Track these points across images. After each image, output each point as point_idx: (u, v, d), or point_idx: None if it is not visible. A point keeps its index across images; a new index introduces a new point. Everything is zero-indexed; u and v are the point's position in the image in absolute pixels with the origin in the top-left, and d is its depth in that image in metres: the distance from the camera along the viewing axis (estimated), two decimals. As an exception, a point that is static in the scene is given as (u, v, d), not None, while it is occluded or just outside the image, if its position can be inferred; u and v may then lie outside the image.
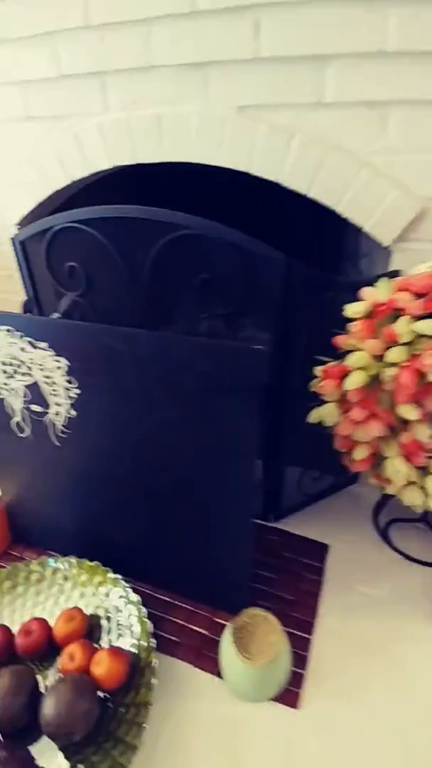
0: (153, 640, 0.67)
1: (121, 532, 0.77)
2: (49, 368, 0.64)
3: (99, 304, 0.79)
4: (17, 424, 0.73)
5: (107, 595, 0.76)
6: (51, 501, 0.80)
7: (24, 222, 1.05)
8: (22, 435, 0.74)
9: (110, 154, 0.83)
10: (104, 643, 0.71)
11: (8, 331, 0.65)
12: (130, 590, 0.74)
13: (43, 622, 0.71)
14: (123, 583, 0.75)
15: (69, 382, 0.64)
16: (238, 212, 0.81)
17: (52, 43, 0.78)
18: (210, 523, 0.67)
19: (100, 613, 0.75)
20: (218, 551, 0.70)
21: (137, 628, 0.70)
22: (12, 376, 0.69)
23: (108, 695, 0.64)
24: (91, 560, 0.79)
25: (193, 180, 0.89)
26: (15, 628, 0.73)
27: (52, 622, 0.72)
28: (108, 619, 0.74)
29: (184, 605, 0.77)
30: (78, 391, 0.65)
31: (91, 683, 0.62)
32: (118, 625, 0.72)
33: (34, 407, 0.70)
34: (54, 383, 0.66)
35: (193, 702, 0.66)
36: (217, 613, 0.76)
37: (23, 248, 0.82)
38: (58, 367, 0.64)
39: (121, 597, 0.74)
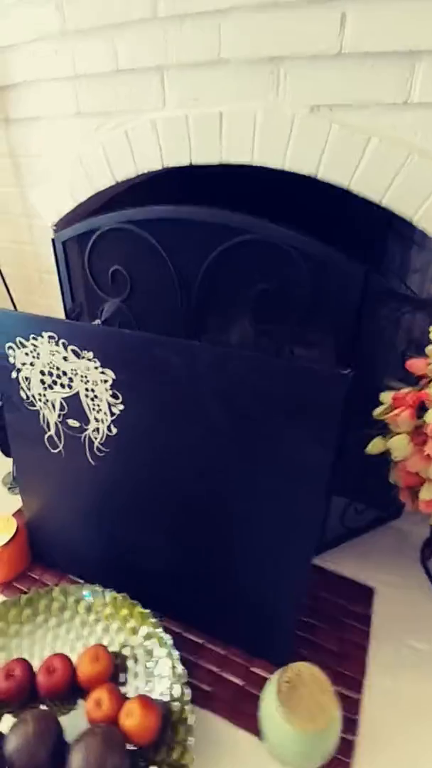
0: (188, 691, 0.60)
1: (152, 561, 0.70)
2: (93, 380, 0.59)
3: (140, 312, 0.73)
4: (50, 438, 0.68)
5: (134, 632, 0.69)
6: (77, 522, 0.74)
7: (61, 224, 1.01)
8: (53, 450, 0.68)
9: (163, 153, 0.78)
10: (130, 688, 0.64)
11: (51, 338, 0.59)
12: (161, 629, 0.67)
13: (65, 660, 0.64)
14: (153, 620, 0.69)
15: (114, 396, 0.58)
16: (290, 217, 0.75)
17: (111, 36, 0.74)
18: (260, 560, 0.60)
19: (126, 652, 0.68)
20: (264, 592, 0.62)
21: (167, 673, 0.63)
22: (50, 387, 0.63)
23: (138, 750, 0.57)
24: (117, 590, 0.72)
25: (231, 180, 0.83)
26: (35, 663, 0.66)
27: (73, 658, 0.65)
28: (135, 660, 0.67)
29: (215, 648, 0.70)
30: (122, 407, 0.59)
31: (121, 737, 0.55)
32: (146, 668, 0.65)
33: (72, 422, 0.64)
34: (96, 397, 0.60)
35: (230, 765, 0.58)
36: (254, 661, 0.68)
37: (64, 249, 0.77)
38: (104, 380, 0.58)
39: (150, 636, 0.67)
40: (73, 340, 0.57)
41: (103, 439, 0.62)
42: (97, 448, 0.64)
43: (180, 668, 0.62)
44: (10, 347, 0.63)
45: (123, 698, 0.60)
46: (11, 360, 0.64)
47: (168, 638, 0.66)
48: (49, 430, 0.67)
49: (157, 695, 0.61)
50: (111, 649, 0.67)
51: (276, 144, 0.70)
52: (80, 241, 0.75)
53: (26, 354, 0.62)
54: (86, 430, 0.63)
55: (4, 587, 0.79)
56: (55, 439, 0.67)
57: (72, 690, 0.63)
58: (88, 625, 0.71)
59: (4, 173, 1.01)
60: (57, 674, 0.62)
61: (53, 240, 0.77)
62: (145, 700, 0.58)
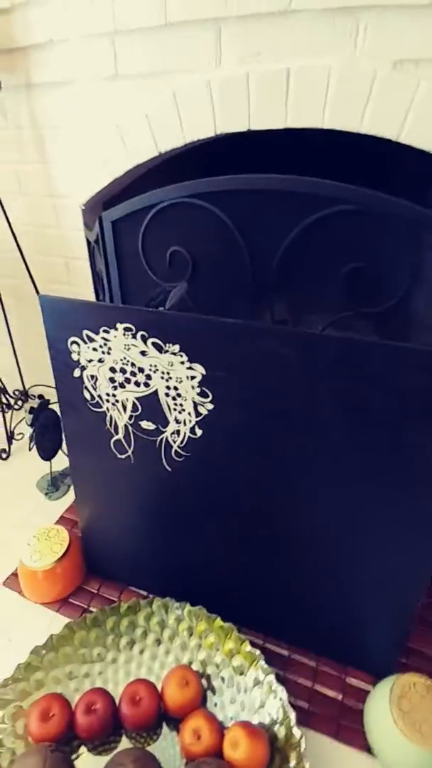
0: (293, 713, 0.55)
1: (228, 571, 0.64)
2: (177, 377, 0.52)
3: (204, 299, 0.66)
4: (117, 443, 0.60)
5: (216, 648, 0.63)
6: (143, 531, 0.67)
7: (90, 204, 0.92)
8: (121, 456, 0.61)
9: (217, 119, 0.70)
10: (223, 712, 0.58)
11: (127, 330, 0.52)
12: (248, 644, 0.62)
13: (150, 687, 0.58)
14: (238, 633, 0.63)
15: (202, 394, 0.52)
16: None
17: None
18: (368, 569, 0.55)
19: (211, 671, 0.62)
20: (370, 601, 0.57)
21: (264, 693, 0.57)
22: (122, 386, 0.56)
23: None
24: (192, 603, 0.67)
25: (274, 148, 0.75)
26: (109, 688, 0.60)
27: (151, 680, 0.60)
28: (222, 679, 0.61)
29: (304, 660, 0.65)
30: (211, 407, 0.52)
31: (231, 773, 0.50)
32: (238, 688, 0.59)
33: (146, 424, 0.57)
34: (179, 396, 0.53)
35: None
36: (349, 671, 0.63)
37: (113, 230, 0.68)
38: (191, 377, 0.51)
39: (235, 652, 0.62)
40: (156, 331, 0.50)
41: (184, 442, 0.56)
42: (176, 453, 0.57)
43: (278, 687, 0.57)
44: (74, 342, 0.55)
45: (221, 726, 0.55)
46: (75, 357, 0.56)
47: (257, 653, 0.60)
48: (117, 433, 0.60)
49: (256, 719, 0.56)
50: (194, 666, 0.62)
51: (353, 105, 0.63)
52: (131, 220, 0.67)
53: (94, 349, 0.55)
54: (163, 432, 0.56)
55: (61, 604, 0.73)
56: (124, 443, 0.60)
57: (158, 719, 0.58)
58: (164, 644, 0.65)
59: (25, 147, 0.91)
60: (143, 704, 0.56)
61: (100, 219, 0.69)
62: (250, 728, 0.52)
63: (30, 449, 0.84)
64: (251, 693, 0.58)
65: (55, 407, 0.91)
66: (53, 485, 0.93)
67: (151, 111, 0.75)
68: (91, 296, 0.94)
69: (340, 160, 0.68)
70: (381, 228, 0.53)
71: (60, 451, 0.92)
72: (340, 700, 0.60)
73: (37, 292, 0.97)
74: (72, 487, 0.95)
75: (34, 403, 0.83)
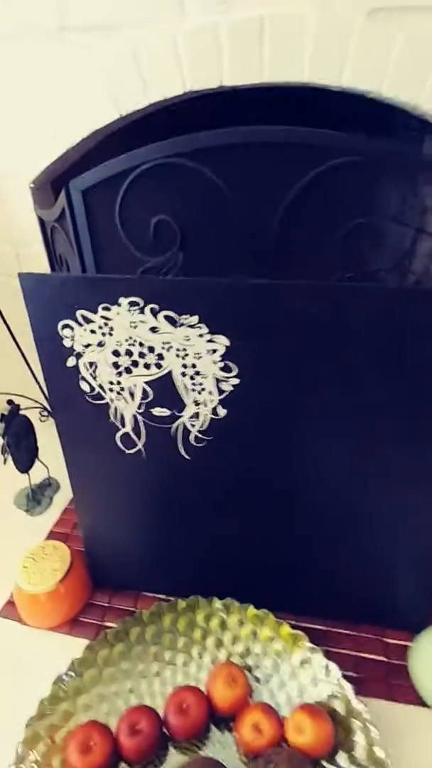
0: (348, 684, 0.53)
1: (252, 557, 0.61)
2: (196, 353, 0.47)
3: (195, 271, 0.61)
4: (124, 437, 0.54)
5: (254, 636, 0.60)
6: (155, 529, 0.62)
7: (42, 179, 0.82)
8: (129, 451, 0.55)
9: (186, 74, 0.64)
10: (270, 701, 0.55)
11: (133, 305, 0.45)
12: (287, 626, 0.59)
13: (195, 692, 0.53)
14: (273, 618, 0.60)
15: (225, 369, 0.47)
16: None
17: None
18: (394, 528, 0.54)
19: (252, 661, 0.59)
20: (399, 561, 0.57)
21: (314, 672, 0.55)
22: (128, 371, 0.49)
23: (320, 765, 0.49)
24: (220, 596, 0.63)
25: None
26: (147, 702, 0.55)
27: (190, 683, 0.55)
28: (266, 667, 0.58)
29: (342, 631, 0.64)
30: (236, 382, 0.47)
31: (304, 758, 0.47)
32: (285, 672, 0.56)
33: (159, 411, 0.51)
34: (198, 374, 0.48)
35: (419, 744, 0.53)
36: (386, 633, 0.63)
37: (84, 201, 0.61)
38: (212, 350, 0.46)
39: (274, 637, 0.59)
40: (169, 303, 0.44)
41: (205, 425, 0.51)
42: (195, 438, 0.52)
43: (328, 662, 0.55)
44: (66, 326, 0.48)
45: (278, 715, 0.52)
46: (68, 343, 0.49)
47: (299, 633, 0.58)
48: (124, 426, 0.53)
49: (311, 699, 0.54)
50: (233, 660, 0.58)
51: (331, 57, 0.60)
52: (106, 189, 0.59)
53: (92, 332, 0.48)
54: (180, 417, 0.51)
55: (71, 625, 0.65)
56: (132, 436, 0.54)
57: (207, 723, 0.53)
58: (197, 644, 0.61)
59: None
60: (192, 711, 0.51)
61: (66, 190, 0.60)
62: (311, 710, 0.50)
63: (5, 462, 0.74)
64: (300, 674, 0.56)
65: (26, 412, 0.81)
66: (34, 500, 0.83)
67: (109, 69, 0.67)
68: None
69: (318, 123, 0.65)
70: (385, 179, 0.52)
71: (36, 460, 0.83)
72: (385, 662, 0.60)
73: (-14, 285, 0.85)
74: (53, 499, 0.86)
75: (3, 409, 0.73)
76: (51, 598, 0.63)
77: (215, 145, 0.53)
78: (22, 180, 0.80)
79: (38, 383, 1.00)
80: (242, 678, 0.54)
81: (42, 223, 0.81)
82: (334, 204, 0.54)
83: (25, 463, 0.77)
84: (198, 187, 0.57)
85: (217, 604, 0.62)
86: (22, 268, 0.89)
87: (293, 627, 0.60)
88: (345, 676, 0.56)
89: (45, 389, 1.04)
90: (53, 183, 0.84)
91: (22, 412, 0.80)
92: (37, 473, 0.87)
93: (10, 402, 0.74)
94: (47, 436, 0.87)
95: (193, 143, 0.54)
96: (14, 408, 0.74)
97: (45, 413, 1.00)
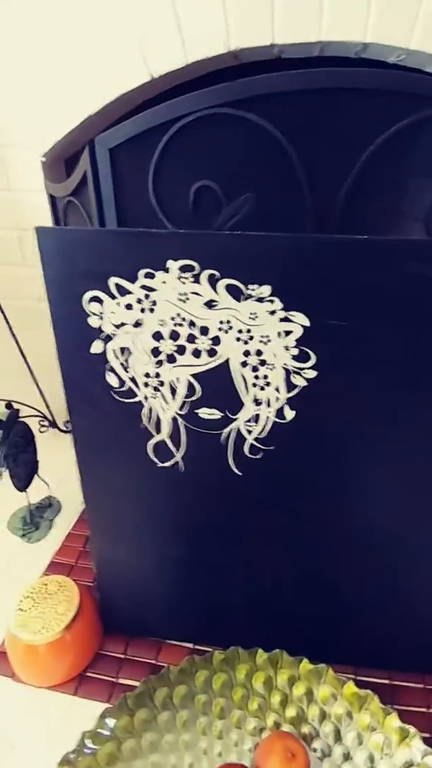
0: (427, 748, 0.42)
1: (303, 598, 0.50)
2: (263, 336, 0.36)
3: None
4: (158, 445, 0.43)
5: (310, 697, 0.48)
6: (187, 562, 0.50)
7: (54, 153, 0.72)
8: (164, 464, 0.44)
9: (231, 29, 0.56)
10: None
11: (186, 270, 0.35)
12: (352, 684, 0.47)
13: (246, 779, 0.41)
14: (333, 673, 0.48)
15: (299, 357, 0.37)
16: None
17: None
18: None
19: (306, 730, 0.47)
20: None
21: (385, 740, 0.44)
22: (171, 360, 0.39)
23: None
24: (264, 648, 0.51)
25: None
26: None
27: (233, 758, 0.43)
28: (326, 737, 0.46)
29: (408, 684, 0.52)
30: (313, 375, 0.37)
31: None
32: (349, 743, 0.44)
33: (206, 412, 0.40)
34: (264, 363, 0.37)
35: None
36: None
37: (112, 162, 0.51)
38: (285, 332, 0.36)
39: (336, 697, 0.47)
40: (234, 267, 0.34)
41: (265, 431, 0.40)
42: (251, 448, 0.41)
43: (405, 726, 0.43)
44: (94, 299, 0.37)
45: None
46: (94, 322, 0.38)
47: (369, 693, 0.46)
48: (159, 432, 0.42)
49: (389, 781, 0.42)
50: (285, 728, 0.46)
51: (400, 16, 0.52)
52: (138, 148, 0.50)
53: (128, 306, 0.37)
54: (233, 421, 0.40)
55: (78, 683, 0.52)
56: (169, 444, 0.43)
57: None
58: (237, 708, 0.49)
59: None
60: (245, 807, 0.39)
61: (91, 148, 0.51)
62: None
63: (0, 478, 0.62)
64: (370, 741, 0.44)
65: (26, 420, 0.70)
66: (31, 523, 0.71)
67: (141, 21, 0.58)
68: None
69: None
70: None
71: (36, 477, 0.71)
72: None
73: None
74: (53, 522, 0.74)
75: (1, 414, 0.61)
76: (54, 649, 0.50)
77: (278, 92, 0.45)
78: (33, 153, 0.71)
79: (39, 388, 0.88)
80: (303, 753, 0.42)
81: (53, 201, 0.71)
82: (420, 163, 0.45)
83: (23, 479, 0.65)
84: (252, 145, 0.48)
85: (263, 657, 0.50)
86: (25, 254, 0.79)
87: (355, 683, 0.48)
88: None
89: (45, 397, 0.93)
90: (68, 160, 0.75)
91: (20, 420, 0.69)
92: (36, 492, 0.75)
93: (8, 406, 0.63)
94: (47, 449, 0.75)
95: (248, 89, 0.45)
96: (13, 413, 0.63)
97: (45, 423, 0.88)
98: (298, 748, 0.43)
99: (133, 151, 0.49)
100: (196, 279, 0.35)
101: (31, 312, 0.83)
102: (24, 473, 0.65)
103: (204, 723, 0.48)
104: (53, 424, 0.88)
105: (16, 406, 0.70)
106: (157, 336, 0.38)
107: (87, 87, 0.66)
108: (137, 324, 0.38)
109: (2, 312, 0.79)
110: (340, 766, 0.44)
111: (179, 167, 0.50)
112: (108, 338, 0.39)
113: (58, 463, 0.82)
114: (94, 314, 0.38)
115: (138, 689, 0.47)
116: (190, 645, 0.55)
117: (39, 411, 0.86)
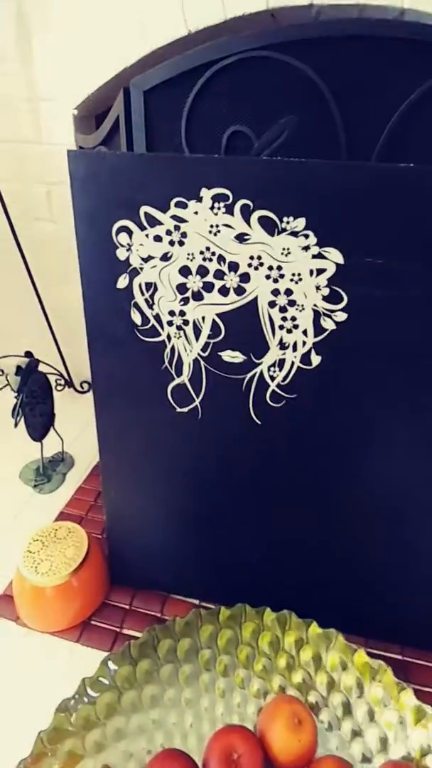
0: None
1: (319, 562, 0.48)
2: (294, 274, 0.35)
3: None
4: (178, 388, 0.42)
5: (319, 663, 0.47)
6: (200, 515, 0.49)
7: (86, 107, 0.72)
8: (181, 409, 0.43)
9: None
10: (340, 753, 0.42)
11: (219, 199, 0.34)
12: (362, 652, 0.46)
13: (247, 735, 0.40)
14: (344, 640, 0.47)
15: (331, 298, 0.35)
16: None
17: None
18: None
19: (313, 698, 0.46)
20: None
21: (397, 716, 0.42)
22: (198, 297, 0.38)
23: None
24: (275, 609, 0.49)
25: None
26: (177, 745, 0.42)
27: (235, 720, 0.42)
28: (334, 706, 0.45)
29: (421, 661, 0.50)
30: (344, 317, 0.36)
31: None
32: (359, 716, 0.43)
33: (229, 355, 0.39)
34: (293, 304, 0.36)
35: None
36: None
37: (145, 105, 0.50)
38: (318, 271, 0.35)
39: (346, 666, 0.46)
40: (271, 198, 0.33)
41: (289, 377, 0.39)
42: (272, 396, 0.40)
43: (422, 705, 0.42)
44: (123, 229, 0.37)
45: (353, 772, 0.39)
46: (122, 254, 0.37)
47: (381, 665, 0.45)
48: (180, 375, 0.41)
49: (397, 752, 0.41)
50: (290, 693, 0.45)
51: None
52: (172, 91, 0.49)
53: (157, 239, 0.36)
54: (257, 366, 0.39)
55: (81, 630, 0.52)
56: (189, 388, 0.42)
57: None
58: (240, 668, 0.48)
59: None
60: (246, 762, 0.38)
61: (125, 92, 0.50)
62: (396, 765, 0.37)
63: (16, 425, 0.62)
64: (382, 718, 0.43)
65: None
66: (44, 474, 0.71)
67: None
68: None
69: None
70: None
71: (52, 429, 0.71)
72: None
73: (12, 227, 0.75)
74: (66, 476, 0.74)
75: (21, 361, 0.61)
76: (60, 593, 0.50)
77: (319, 37, 0.43)
78: (65, 106, 0.70)
79: (58, 347, 0.89)
80: (310, 721, 0.41)
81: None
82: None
83: (39, 430, 0.65)
84: (290, 91, 0.46)
85: (270, 616, 0.49)
86: (52, 209, 0.79)
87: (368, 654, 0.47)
88: None
89: (64, 357, 0.93)
90: (98, 116, 0.75)
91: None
92: (50, 446, 0.75)
93: (28, 354, 0.63)
94: (63, 408, 0.75)
95: (290, 34, 0.43)
96: (33, 362, 0.63)
97: (62, 382, 0.88)
98: (306, 714, 0.42)
99: (168, 95, 0.48)
100: (229, 210, 0.34)
101: (57, 270, 0.84)
102: (40, 424, 0.66)
103: (207, 679, 0.47)
104: (70, 383, 0.88)
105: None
106: (185, 271, 0.37)
107: (123, 40, 0.65)
108: (166, 257, 0.37)
109: (28, 269, 0.79)
110: (350, 743, 0.43)
111: (213, 113, 0.48)
112: (135, 272, 0.38)
113: (74, 421, 0.83)
114: (122, 246, 0.37)
115: (142, 638, 0.47)
116: (196, 601, 0.55)
117: (57, 370, 0.87)
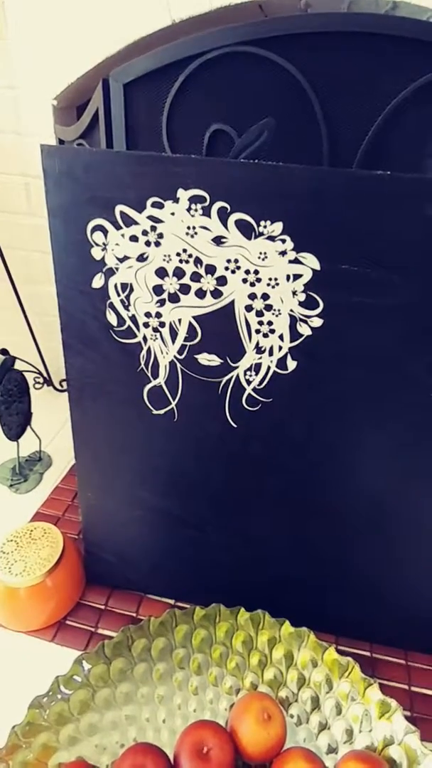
0: (413, 727, 0.41)
1: (289, 561, 0.49)
2: (271, 278, 0.35)
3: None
4: (154, 391, 0.42)
5: (291, 660, 0.48)
6: (176, 517, 0.49)
7: (66, 97, 0.70)
8: (157, 411, 0.43)
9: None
10: (309, 746, 0.43)
11: (195, 201, 0.34)
12: (333, 650, 0.47)
13: (218, 730, 0.40)
14: (315, 639, 0.48)
15: (307, 303, 0.36)
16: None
17: None
18: None
19: (284, 693, 0.47)
20: None
21: (364, 710, 0.43)
22: (174, 299, 0.37)
23: None
24: (249, 608, 0.50)
25: None
26: (150, 739, 0.43)
27: (206, 717, 0.43)
28: (303, 701, 0.46)
29: (390, 658, 0.52)
30: (319, 323, 0.36)
31: None
32: (327, 710, 0.44)
33: (205, 358, 0.39)
34: (270, 308, 0.36)
35: None
36: (440, 662, 0.52)
37: (125, 100, 0.49)
38: (294, 276, 0.35)
39: (316, 664, 0.47)
40: (248, 201, 0.33)
41: (265, 381, 0.39)
42: (248, 399, 0.40)
43: (387, 699, 0.43)
44: (98, 228, 0.36)
45: (317, 762, 0.40)
46: (97, 253, 0.37)
47: (348, 660, 0.46)
48: (156, 377, 0.41)
49: (362, 743, 0.42)
50: (262, 690, 0.46)
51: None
52: (153, 86, 0.48)
53: (133, 239, 0.36)
54: (233, 369, 0.39)
55: (56, 630, 0.52)
56: (166, 391, 0.42)
57: (230, 771, 0.41)
58: (214, 666, 0.48)
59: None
60: (215, 757, 0.39)
61: (104, 84, 0.49)
62: (367, 759, 0.38)
63: (-10, 424, 0.61)
64: (349, 712, 0.44)
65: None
66: (20, 474, 0.70)
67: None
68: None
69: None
70: None
71: (29, 428, 0.70)
72: (445, 701, 0.49)
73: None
74: (43, 476, 0.73)
75: (-4, 359, 0.60)
76: (35, 593, 0.50)
77: (302, 33, 0.43)
78: (45, 96, 0.68)
79: (36, 344, 0.87)
80: (279, 716, 0.42)
81: (61, 145, 0.69)
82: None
83: (15, 429, 0.64)
84: (272, 88, 0.46)
85: (244, 616, 0.50)
86: (31, 203, 0.77)
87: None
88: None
89: (43, 354, 0.91)
90: (79, 107, 0.73)
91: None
92: (27, 445, 0.74)
93: (4, 351, 0.62)
94: (41, 406, 0.74)
95: (273, 29, 0.43)
96: (9, 360, 0.61)
97: (41, 380, 0.87)
98: (275, 710, 0.42)
99: (148, 89, 0.47)
100: (206, 212, 0.34)
101: (35, 265, 0.82)
102: (16, 423, 0.64)
103: (180, 678, 0.47)
104: (49, 381, 0.86)
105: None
106: (161, 273, 0.37)
107: (105, 29, 0.63)
108: (141, 258, 0.36)
109: (5, 264, 0.77)
110: (317, 736, 0.44)
111: (195, 108, 0.48)
112: (110, 272, 0.38)
113: (52, 420, 0.82)
114: (97, 245, 0.36)
115: (116, 638, 0.47)
116: (172, 601, 0.55)
117: (35, 367, 0.85)
